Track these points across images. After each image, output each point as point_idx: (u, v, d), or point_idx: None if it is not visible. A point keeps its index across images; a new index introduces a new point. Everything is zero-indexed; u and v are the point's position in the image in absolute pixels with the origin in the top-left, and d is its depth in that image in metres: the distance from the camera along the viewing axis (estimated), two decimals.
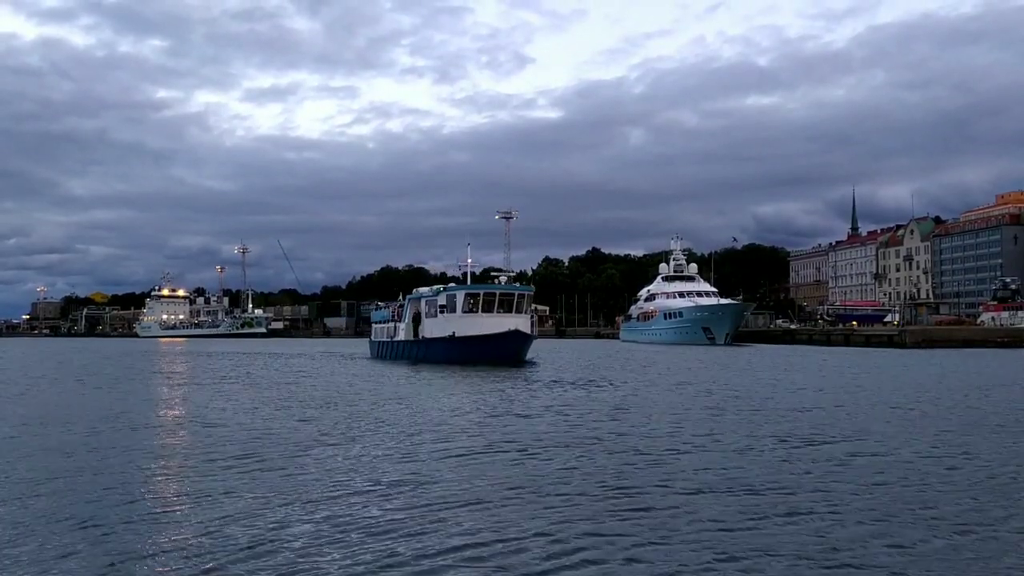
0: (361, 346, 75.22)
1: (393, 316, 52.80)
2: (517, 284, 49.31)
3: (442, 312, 43.91)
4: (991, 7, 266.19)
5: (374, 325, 58.15)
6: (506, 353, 40.89)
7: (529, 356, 44.38)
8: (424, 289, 49.72)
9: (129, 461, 12.25)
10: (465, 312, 42.63)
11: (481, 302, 42.76)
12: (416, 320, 47.34)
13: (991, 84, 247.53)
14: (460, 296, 43.44)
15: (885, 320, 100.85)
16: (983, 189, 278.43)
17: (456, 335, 42.09)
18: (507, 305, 43.17)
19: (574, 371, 35.62)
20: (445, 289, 45.71)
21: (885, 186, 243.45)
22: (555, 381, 28.53)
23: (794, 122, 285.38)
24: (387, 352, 51.21)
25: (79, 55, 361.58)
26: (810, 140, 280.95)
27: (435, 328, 44.34)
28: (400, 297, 56.64)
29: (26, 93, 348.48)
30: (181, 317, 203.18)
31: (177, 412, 19.65)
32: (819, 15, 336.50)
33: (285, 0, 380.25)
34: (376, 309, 63.40)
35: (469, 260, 51.09)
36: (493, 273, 52.32)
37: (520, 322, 42.79)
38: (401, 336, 49.17)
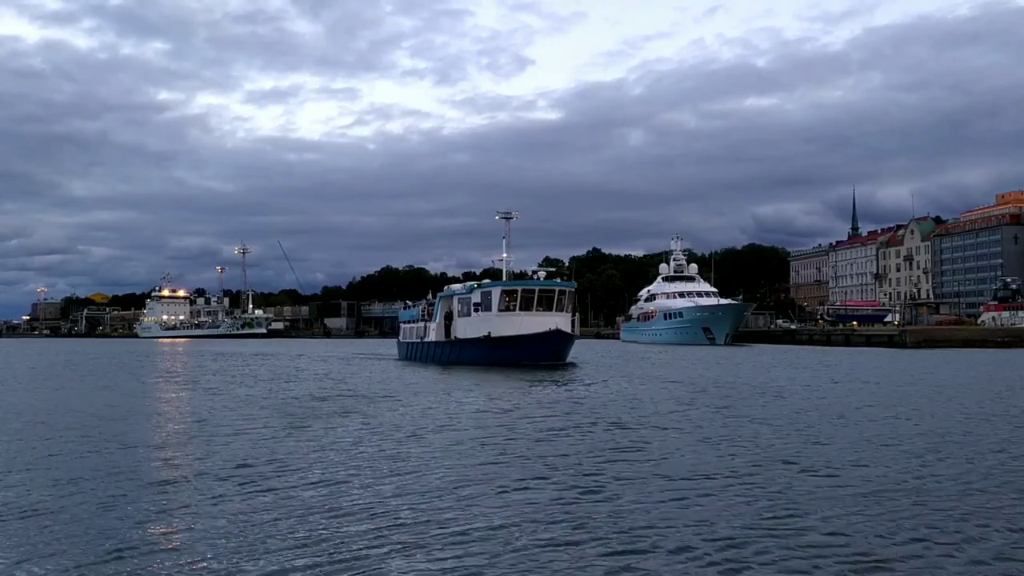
0: (377, 346, 75.14)
1: (423, 315, 49.04)
2: (557, 280, 44.70)
3: (476, 311, 40.99)
4: (987, 9, 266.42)
5: (403, 325, 54.83)
6: (546, 355, 38.13)
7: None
8: (457, 286, 46.56)
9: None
10: (501, 310, 39.55)
11: (519, 300, 39.53)
12: (448, 319, 44.15)
13: (988, 85, 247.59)
14: (496, 293, 40.28)
15: (885, 320, 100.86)
16: (982, 189, 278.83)
17: (492, 335, 39.22)
18: (547, 303, 39.95)
19: (624, 375, 32.65)
20: (479, 286, 42.66)
21: (884, 186, 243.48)
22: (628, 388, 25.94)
23: (793, 123, 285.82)
24: (417, 354, 48.03)
25: (81, 57, 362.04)
26: (809, 141, 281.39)
27: (469, 328, 41.42)
28: (429, 296, 53.09)
29: (29, 95, 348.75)
30: (181, 318, 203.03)
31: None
32: (817, 17, 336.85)
33: (287, 3, 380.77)
34: (405, 308, 59.95)
35: (504, 255, 47.12)
36: (531, 269, 48.15)
37: (561, 321, 39.72)
38: (432, 337, 45.71)
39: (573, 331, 41.89)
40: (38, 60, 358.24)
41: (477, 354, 39.80)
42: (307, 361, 50.04)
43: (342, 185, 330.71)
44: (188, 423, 17.70)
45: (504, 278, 45.31)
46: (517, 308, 39.38)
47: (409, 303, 66.66)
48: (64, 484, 10.55)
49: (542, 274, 44.65)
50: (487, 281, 45.15)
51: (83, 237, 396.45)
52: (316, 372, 37.88)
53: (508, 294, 39.99)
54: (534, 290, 40.26)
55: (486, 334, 39.55)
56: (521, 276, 47.74)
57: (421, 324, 48.73)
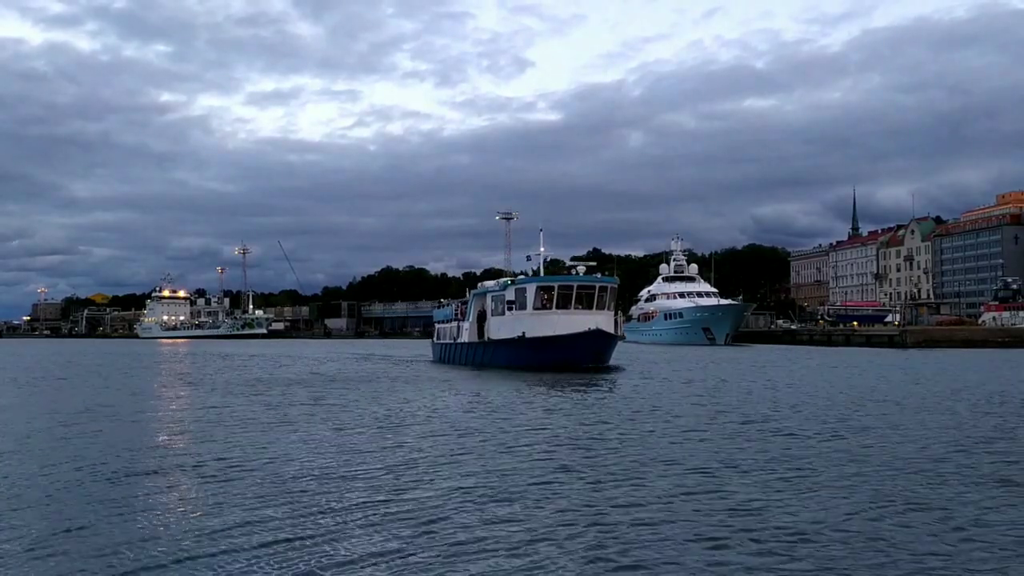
0: (399, 347, 74.40)
1: (456, 314, 46.32)
2: (598, 275, 41.33)
3: (510, 309, 38.24)
4: (984, 11, 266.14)
5: (437, 325, 51.97)
6: (586, 357, 35.18)
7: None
8: (490, 283, 44.05)
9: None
10: (537, 309, 36.90)
11: (556, 297, 36.66)
12: (481, 319, 41.48)
13: (986, 86, 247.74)
14: (531, 290, 37.53)
15: (886, 320, 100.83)
16: (981, 190, 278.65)
17: (526, 336, 36.37)
18: (586, 300, 36.92)
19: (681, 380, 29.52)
20: (514, 282, 40.18)
21: (884, 187, 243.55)
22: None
23: (791, 124, 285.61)
24: (449, 355, 45.76)
25: (84, 60, 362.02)
26: (808, 142, 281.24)
27: (502, 328, 38.71)
28: (467, 293, 50.36)
29: (32, 97, 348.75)
30: (182, 318, 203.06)
31: None
32: (815, 19, 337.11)
33: (288, 5, 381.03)
34: (439, 306, 57.48)
35: (542, 250, 44.28)
36: (570, 263, 45.37)
37: (602, 320, 36.68)
38: (464, 337, 43.07)
39: (616, 331, 38.88)
40: (41, 62, 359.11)
41: (511, 356, 37.22)
42: (316, 364, 48.94)
43: (343, 186, 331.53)
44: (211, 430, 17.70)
45: (540, 273, 42.71)
46: (554, 306, 36.63)
47: (444, 301, 63.01)
48: (54, 481, 10.58)
49: (581, 269, 40.83)
50: (522, 277, 42.61)
51: (84, 238, 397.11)
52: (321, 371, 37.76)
53: (544, 291, 37.24)
54: (572, 286, 37.28)
55: (520, 334, 36.80)
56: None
57: (454, 324, 46.26)
